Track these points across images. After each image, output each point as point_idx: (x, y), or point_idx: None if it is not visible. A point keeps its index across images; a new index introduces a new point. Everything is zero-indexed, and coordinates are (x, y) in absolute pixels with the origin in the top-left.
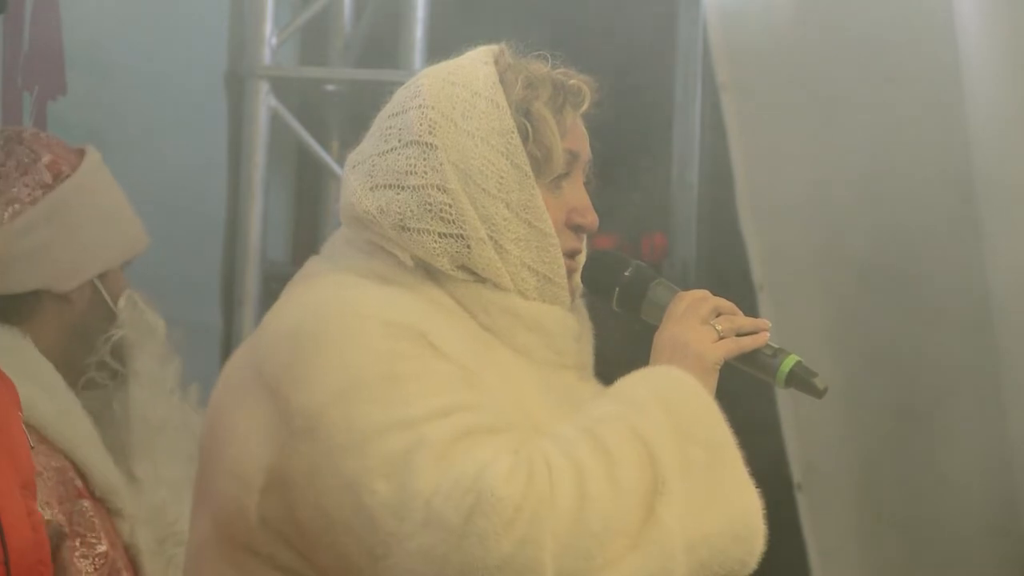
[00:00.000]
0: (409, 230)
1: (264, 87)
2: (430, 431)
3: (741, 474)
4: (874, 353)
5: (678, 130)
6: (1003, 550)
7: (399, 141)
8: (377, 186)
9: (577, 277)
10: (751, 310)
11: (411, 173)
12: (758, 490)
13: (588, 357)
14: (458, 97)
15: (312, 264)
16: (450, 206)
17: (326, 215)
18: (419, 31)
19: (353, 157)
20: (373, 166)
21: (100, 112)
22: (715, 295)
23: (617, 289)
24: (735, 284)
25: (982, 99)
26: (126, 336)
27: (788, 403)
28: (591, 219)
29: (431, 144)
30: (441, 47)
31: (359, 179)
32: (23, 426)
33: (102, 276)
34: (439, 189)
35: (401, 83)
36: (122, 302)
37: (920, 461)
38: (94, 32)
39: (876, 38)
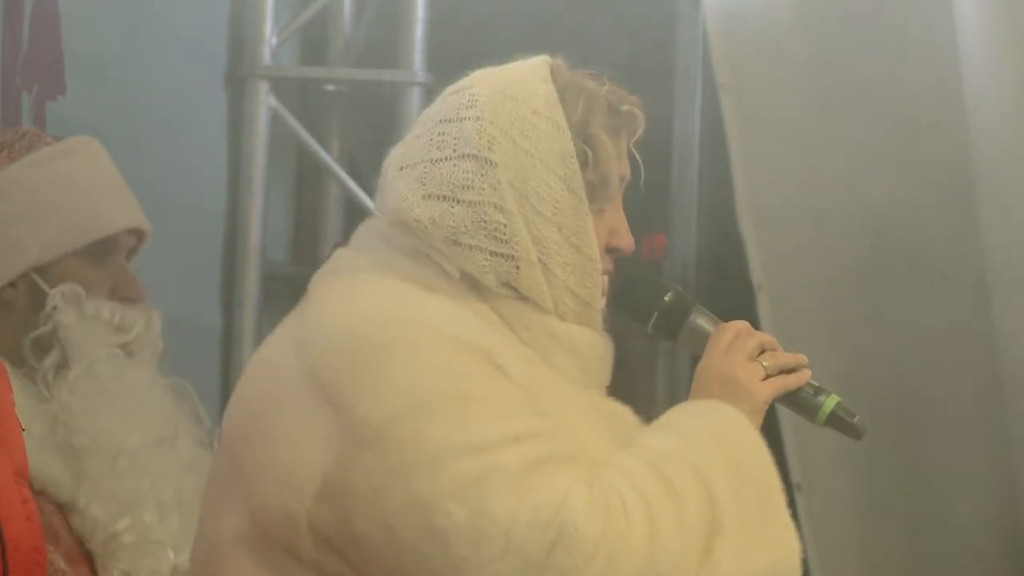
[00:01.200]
0: (461, 245)
1: (264, 87)
2: (504, 457)
3: (785, 515)
4: (873, 353)
5: (678, 130)
6: (1003, 550)
7: (454, 151)
8: (430, 195)
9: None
10: (751, 310)
11: (468, 188)
12: None
13: (607, 377)
14: (516, 113)
15: (347, 259)
16: (505, 226)
17: (326, 215)
18: (419, 31)
19: (399, 157)
20: (425, 173)
21: (99, 112)
22: (753, 328)
23: (656, 314)
24: (735, 284)
25: (982, 100)
26: (62, 334)
27: None
28: (627, 242)
29: (491, 161)
30: (441, 47)
31: (410, 185)
32: (15, 411)
33: (43, 270)
34: (496, 208)
35: (401, 83)
36: (54, 297)
37: (920, 461)
38: (93, 32)
39: (876, 38)
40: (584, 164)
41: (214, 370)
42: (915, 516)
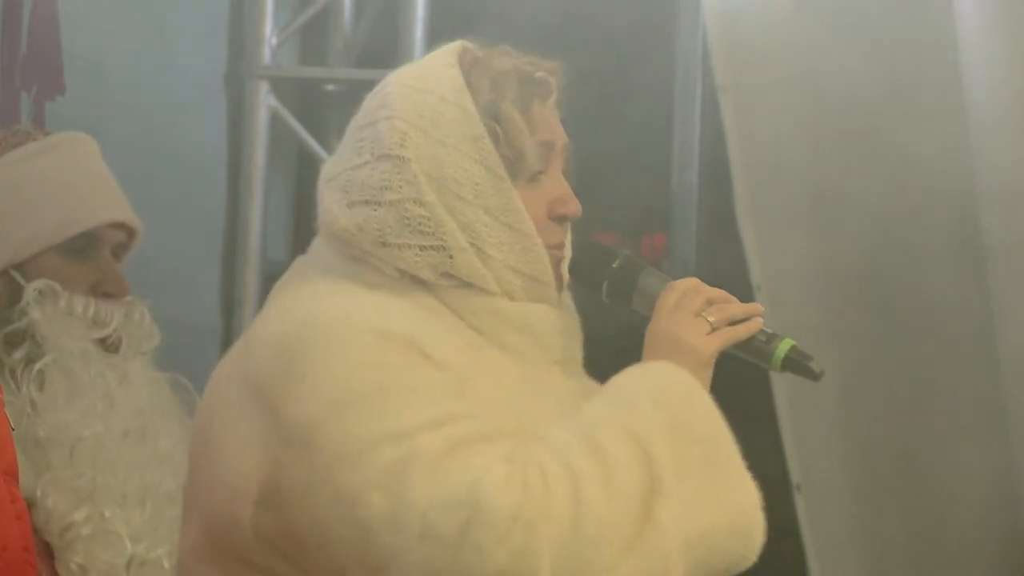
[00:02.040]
0: (389, 246)
1: (264, 87)
2: (424, 442)
3: (738, 468)
4: (873, 353)
5: (678, 130)
6: (1004, 550)
7: (371, 155)
8: (354, 203)
9: (564, 268)
10: None
11: (386, 188)
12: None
13: (575, 352)
14: (425, 104)
15: (299, 266)
16: (428, 219)
17: None
18: (419, 31)
19: (327, 169)
20: (348, 181)
21: (99, 112)
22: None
23: (606, 281)
24: (735, 284)
25: (983, 100)
26: (32, 328)
27: (787, 403)
28: (573, 208)
29: (403, 157)
30: (441, 47)
31: (335, 195)
32: (4, 408)
33: (21, 266)
34: (415, 202)
35: None
36: (28, 294)
37: (920, 461)
38: (93, 32)
39: (876, 38)
40: (496, 142)
41: (214, 370)
42: (915, 516)
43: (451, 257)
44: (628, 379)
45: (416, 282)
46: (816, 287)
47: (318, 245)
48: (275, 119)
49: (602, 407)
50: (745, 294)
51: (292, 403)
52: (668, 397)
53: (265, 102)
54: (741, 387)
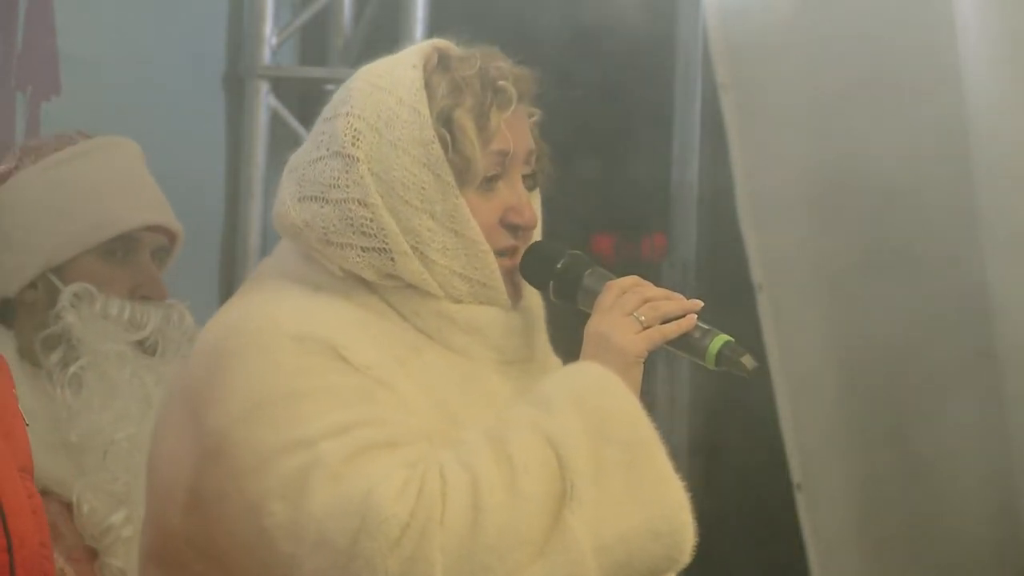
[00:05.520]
0: (333, 244)
1: (264, 87)
2: (325, 450)
3: (661, 470)
4: (874, 353)
5: (678, 130)
6: (1004, 550)
7: (327, 150)
8: (304, 197)
9: (519, 273)
10: (751, 310)
11: (334, 186)
12: (755, 488)
13: (534, 351)
14: (383, 104)
15: (259, 268)
16: (371, 220)
17: None
18: (419, 31)
19: (292, 159)
20: (303, 175)
21: (95, 112)
22: (645, 280)
23: (552, 281)
24: (735, 284)
25: (982, 100)
26: (67, 331)
27: (787, 403)
28: (527, 217)
29: (354, 156)
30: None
31: (290, 188)
32: (18, 406)
33: (59, 270)
34: (359, 203)
35: None
36: (63, 298)
37: (920, 461)
38: (89, 31)
39: (876, 38)
40: (446, 148)
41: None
42: (915, 515)
43: (392, 260)
44: (554, 381)
45: (362, 282)
46: (817, 286)
47: (281, 244)
48: (275, 119)
49: (523, 409)
50: (745, 294)
51: (210, 412)
52: (589, 399)
53: (265, 102)
54: (743, 388)
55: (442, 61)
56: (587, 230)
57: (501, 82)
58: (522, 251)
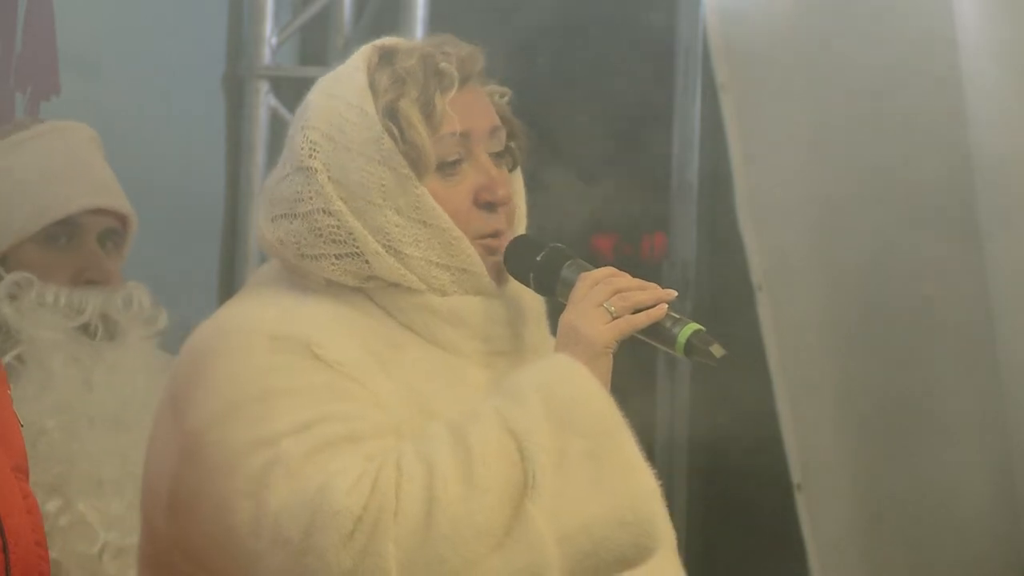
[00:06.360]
0: (307, 257)
1: (264, 87)
2: (286, 447)
3: (630, 459)
4: (874, 353)
5: (678, 130)
6: (1003, 550)
7: (291, 167)
8: (276, 216)
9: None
10: (751, 310)
11: (299, 200)
12: (754, 488)
13: (526, 342)
14: (335, 111)
15: (254, 275)
16: (338, 227)
17: None
18: (419, 31)
19: (265, 182)
20: (272, 195)
21: (95, 112)
22: (622, 271)
23: (532, 274)
24: (735, 284)
25: (982, 99)
26: (7, 324)
27: (787, 403)
28: (500, 193)
29: (312, 168)
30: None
31: (263, 209)
32: (12, 407)
33: (3, 260)
34: (324, 212)
35: None
36: (2, 288)
37: (920, 461)
38: (89, 31)
39: (876, 38)
40: (396, 140)
41: None
42: (915, 516)
43: (368, 262)
44: (524, 372)
45: (347, 285)
46: (816, 287)
47: None
48: (275, 119)
49: (491, 401)
50: (745, 294)
51: (190, 412)
52: (554, 389)
53: (265, 102)
54: (743, 388)
55: (384, 58)
56: (587, 230)
57: (443, 64)
58: (507, 233)
